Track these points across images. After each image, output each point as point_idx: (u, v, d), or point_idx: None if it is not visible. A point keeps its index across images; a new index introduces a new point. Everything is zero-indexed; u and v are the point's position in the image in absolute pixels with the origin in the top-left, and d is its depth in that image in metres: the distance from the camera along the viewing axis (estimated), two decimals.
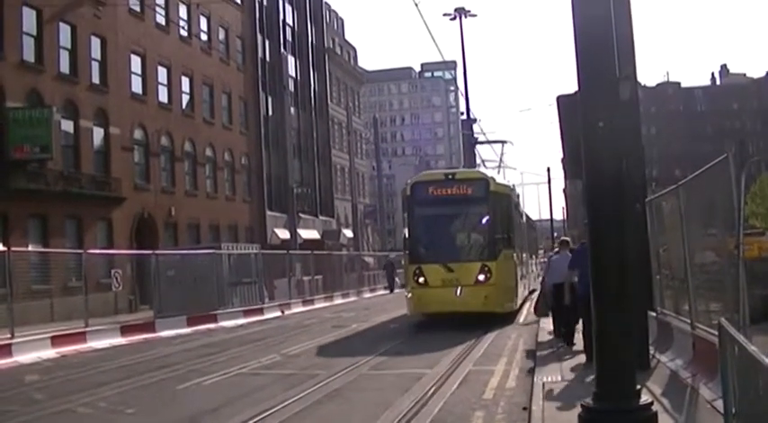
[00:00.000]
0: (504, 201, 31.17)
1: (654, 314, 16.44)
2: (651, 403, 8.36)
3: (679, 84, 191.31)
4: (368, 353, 22.07)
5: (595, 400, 8.25)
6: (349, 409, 14.20)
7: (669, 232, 15.63)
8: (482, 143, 53.40)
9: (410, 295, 30.06)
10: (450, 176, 31.00)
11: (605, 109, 8.36)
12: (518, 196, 41.35)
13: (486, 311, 28.04)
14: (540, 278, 31.31)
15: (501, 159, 44.00)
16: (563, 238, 26.92)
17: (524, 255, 41.09)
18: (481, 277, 28.43)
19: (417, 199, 30.15)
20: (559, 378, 14.90)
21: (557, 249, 23.89)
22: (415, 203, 30.18)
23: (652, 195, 17.89)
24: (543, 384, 14.14)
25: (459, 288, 28.16)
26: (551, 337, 21.79)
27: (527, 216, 51.39)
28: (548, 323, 23.31)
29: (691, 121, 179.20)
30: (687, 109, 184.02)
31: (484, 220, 29.88)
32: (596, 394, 8.26)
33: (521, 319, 30.78)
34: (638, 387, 8.39)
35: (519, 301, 33.19)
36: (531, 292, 39.95)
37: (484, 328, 26.00)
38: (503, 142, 44.07)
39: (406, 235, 31.30)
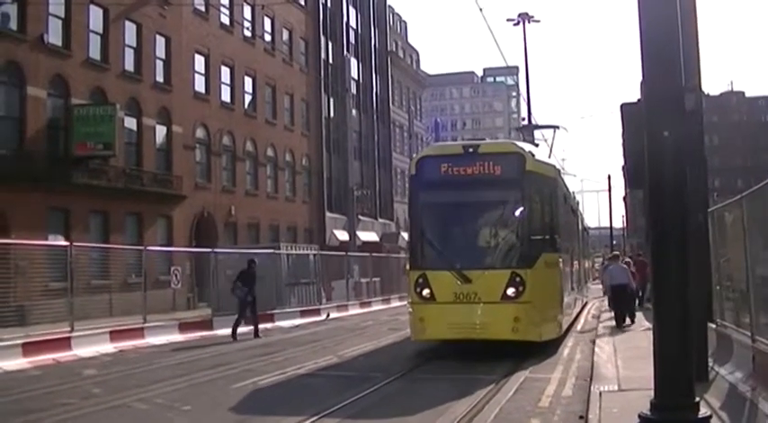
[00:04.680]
0: (546, 185, 23.15)
1: (713, 326, 16.23)
2: (710, 416, 8.27)
3: (743, 93, 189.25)
4: (425, 356, 22.01)
5: (653, 410, 8.17)
6: (404, 413, 14.16)
7: (731, 243, 15.44)
8: (530, 128, 51.60)
9: (410, 311, 22.60)
10: (470, 150, 22.14)
11: (671, 119, 8.30)
12: (568, 187, 31.42)
13: (517, 340, 20.83)
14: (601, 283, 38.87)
15: (551, 148, 41.22)
16: (614, 252, 36.75)
17: (575, 261, 33.54)
18: (510, 291, 20.67)
19: (424, 180, 22.38)
20: (616, 387, 14.77)
21: (609, 258, 32.17)
22: (422, 187, 22.51)
23: (714, 206, 17.71)
24: (600, 393, 14.03)
25: (480, 306, 20.86)
26: (613, 324, 28.92)
27: (580, 213, 43.27)
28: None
29: (754, 132, 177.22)
30: (751, 119, 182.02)
31: (517, 212, 21.79)
32: (654, 405, 8.19)
33: (577, 328, 30.19)
34: (697, 399, 8.31)
35: (565, 325, 25.63)
36: (583, 307, 38.14)
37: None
38: (555, 127, 38.04)
39: (409, 230, 24.67)
